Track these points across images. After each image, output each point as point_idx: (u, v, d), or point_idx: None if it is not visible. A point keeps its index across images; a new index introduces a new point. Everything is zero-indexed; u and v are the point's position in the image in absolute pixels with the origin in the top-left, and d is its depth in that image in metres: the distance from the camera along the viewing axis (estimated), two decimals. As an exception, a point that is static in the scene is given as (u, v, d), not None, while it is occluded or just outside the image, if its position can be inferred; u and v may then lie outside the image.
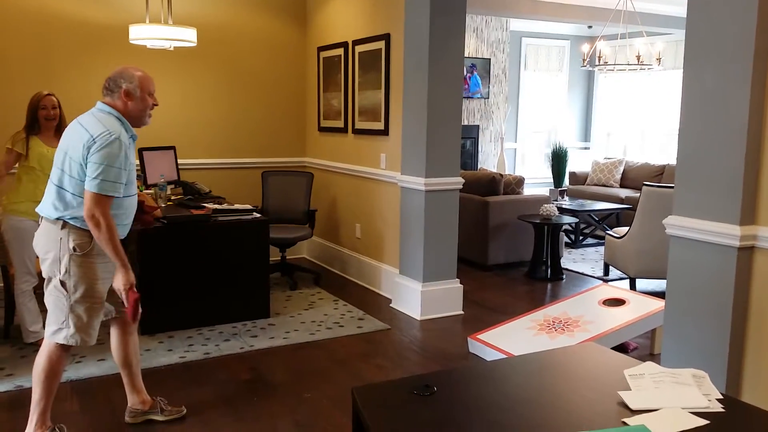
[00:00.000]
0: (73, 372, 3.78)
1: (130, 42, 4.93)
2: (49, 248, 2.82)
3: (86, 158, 2.71)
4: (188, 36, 4.93)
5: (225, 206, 4.83)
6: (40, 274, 4.12)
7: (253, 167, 6.32)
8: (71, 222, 2.79)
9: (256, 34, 6.31)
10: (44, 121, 4.03)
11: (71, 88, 5.35)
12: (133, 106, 2.87)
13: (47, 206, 2.84)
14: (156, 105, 2.97)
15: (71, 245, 2.78)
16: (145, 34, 4.82)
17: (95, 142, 2.70)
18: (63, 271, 2.79)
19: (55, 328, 2.83)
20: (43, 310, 4.18)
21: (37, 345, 4.09)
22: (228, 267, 4.62)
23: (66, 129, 2.90)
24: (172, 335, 4.42)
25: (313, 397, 3.55)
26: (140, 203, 3.23)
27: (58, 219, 2.79)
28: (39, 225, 2.91)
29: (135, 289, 2.88)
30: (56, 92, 4.17)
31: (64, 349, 2.88)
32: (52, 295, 2.84)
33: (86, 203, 2.72)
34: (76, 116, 2.92)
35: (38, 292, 4.20)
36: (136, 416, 3.20)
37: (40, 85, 4.57)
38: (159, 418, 3.22)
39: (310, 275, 5.94)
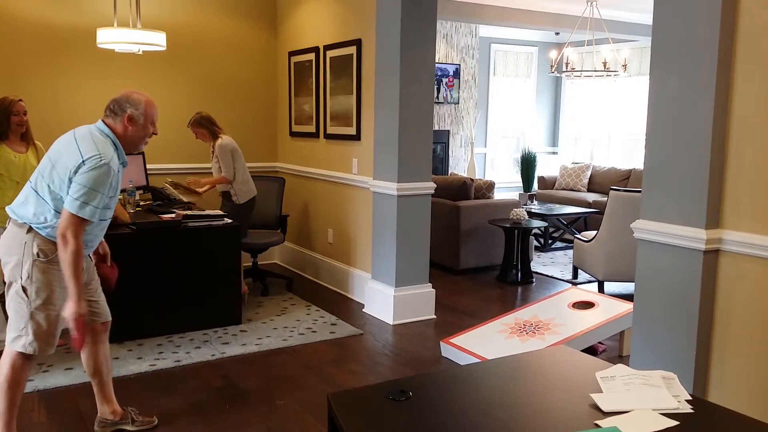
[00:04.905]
0: (40, 381, 3.71)
1: (98, 46, 4.86)
2: (12, 251, 2.76)
3: (71, 177, 2.67)
4: (157, 40, 4.87)
5: (195, 212, 4.79)
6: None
7: (223, 172, 6.28)
8: (37, 230, 2.74)
9: (226, 39, 6.26)
10: (15, 126, 3.96)
11: (38, 92, 5.24)
12: (133, 132, 2.84)
13: (19, 207, 2.78)
14: (155, 134, 2.94)
15: (35, 250, 2.73)
16: (113, 38, 4.75)
17: (84, 164, 2.66)
18: (25, 276, 2.73)
19: (15, 335, 2.77)
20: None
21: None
22: (199, 273, 4.58)
23: (60, 138, 2.83)
24: (142, 343, 4.36)
25: (286, 404, 3.53)
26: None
27: (25, 223, 2.74)
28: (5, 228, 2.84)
29: (83, 320, 2.75)
30: (22, 96, 4.09)
31: (25, 358, 2.81)
32: (13, 301, 2.78)
33: (62, 221, 2.66)
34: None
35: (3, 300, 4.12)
36: (106, 427, 3.15)
37: (5, 90, 4.47)
38: (130, 428, 3.17)
39: (282, 281, 5.90)
